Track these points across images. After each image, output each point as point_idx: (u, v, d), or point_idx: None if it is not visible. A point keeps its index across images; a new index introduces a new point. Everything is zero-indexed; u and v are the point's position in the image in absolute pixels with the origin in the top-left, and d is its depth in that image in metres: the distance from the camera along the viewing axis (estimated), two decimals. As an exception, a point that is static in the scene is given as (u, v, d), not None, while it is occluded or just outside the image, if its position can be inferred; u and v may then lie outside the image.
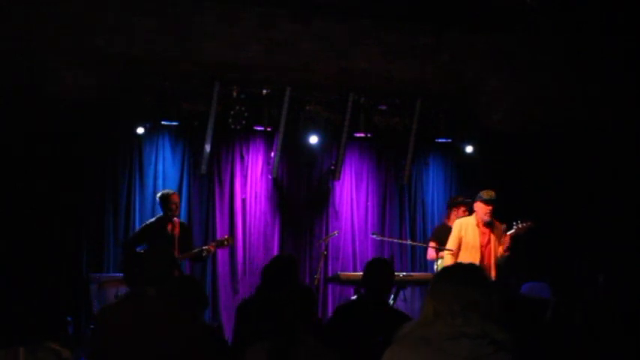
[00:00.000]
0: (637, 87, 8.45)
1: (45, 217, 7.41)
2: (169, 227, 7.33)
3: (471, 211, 7.60)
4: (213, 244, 7.50)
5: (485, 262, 7.01)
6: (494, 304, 2.29)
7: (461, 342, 2.22)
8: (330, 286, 8.48)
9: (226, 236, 7.70)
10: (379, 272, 4.46)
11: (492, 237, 7.12)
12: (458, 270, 2.42)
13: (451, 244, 7.19)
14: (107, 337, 3.41)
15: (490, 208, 7.05)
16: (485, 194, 7.08)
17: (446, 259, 7.21)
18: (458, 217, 7.64)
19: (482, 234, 7.12)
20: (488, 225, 7.11)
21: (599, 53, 8.54)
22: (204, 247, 7.34)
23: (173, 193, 7.40)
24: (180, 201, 8.07)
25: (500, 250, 7.10)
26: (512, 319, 2.73)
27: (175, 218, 7.43)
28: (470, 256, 7.01)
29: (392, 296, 7.16)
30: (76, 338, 7.05)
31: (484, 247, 7.09)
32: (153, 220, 7.48)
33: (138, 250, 7.22)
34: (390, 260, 5.33)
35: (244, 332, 4.51)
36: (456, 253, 7.13)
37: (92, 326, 6.89)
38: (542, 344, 3.50)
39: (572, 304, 3.76)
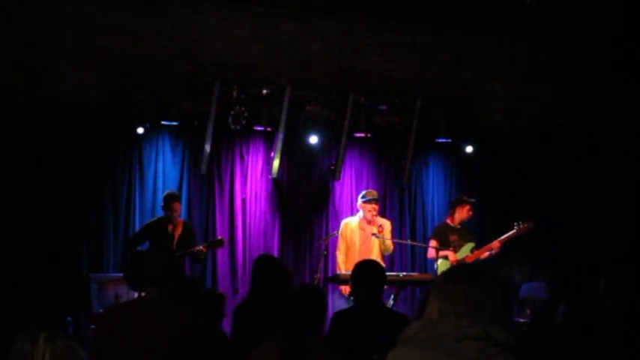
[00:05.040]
0: (637, 87, 8.45)
1: (45, 217, 7.40)
2: (170, 227, 7.36)
3: (474, 210, 7.71)
4: (205, 244, 7.51)
5: (361, 256, 7.21)
6: (500, 304, 2.27)
7: (465, 344, 2.20)
8: (330, 286, 8.47)
9: (220, 237, 7.70)
10: (369, 273, 4.43)
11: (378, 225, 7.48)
12: (463, 271, 2.39)
13: (340, 245, 7.63)
14: (107, 339, 3.39)
15: (372, 206, 7.49)
16: (368, 194, 7.59)
17: (339, 259, 7.61)
18: (462, 217, 7.70)
19: (362, 230, 7.54)
20: (372, 223, 7.49)
21: (599, 53, 8.54)
22: (195, 249, 7.34)
23: (175, 201, 7.39)
24: (181, 201, 8.09)
25: (389, 242, 7.53)
26: None
27: (179, 218, 7.46)
28: (350, 253, 7.51)
29: (392, 296, 7.18)
30: (76, 338, 7.04)
31: (362, 244, 7.50)
32: (154, 219, 7.54)
33: (139, 249, 7.26)
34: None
35: (243, 333, 4.51)
36: (345, 252, 7.58)
37: (93, 326, 6.90)
38: (553, 344, 3.51)
39: (577, 304, 3.76)
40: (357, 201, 8.75)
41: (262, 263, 4.87)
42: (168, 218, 7.36)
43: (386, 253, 7.62)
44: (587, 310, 3.72)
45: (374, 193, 7.60)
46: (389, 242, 7.55)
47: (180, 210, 7.60)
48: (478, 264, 7.24)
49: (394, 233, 7.95)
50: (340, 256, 7.59)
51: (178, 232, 7.38)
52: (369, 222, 7.52)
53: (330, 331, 4.45)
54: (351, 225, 7.63)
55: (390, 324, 4.22)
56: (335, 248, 8.51)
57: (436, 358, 2.20)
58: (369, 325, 4.14)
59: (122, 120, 7.76)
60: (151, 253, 3.86)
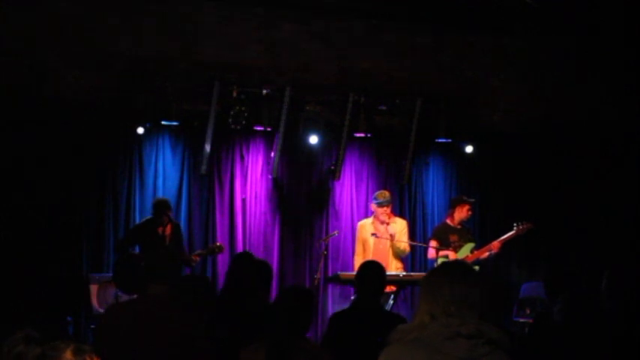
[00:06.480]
0: (637, 86, 8.45)
1: (44, 217, 7.40)
2: (160, 229, 7.31)
3: (473, 210, 7.73)
4: (198, 252, 7.48)
5: (376, 257, 7.12)
6: (490, 302, 2.27)
7: (457, 342, 2.19)
8: (330, 286, 8.48)
9: (219, 243, 7.67)
10: (369, 275, 4.44)
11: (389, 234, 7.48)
12: (452, 269, 2.38)
13: (357, 248, 7.70)
14: (109, 338, 3.40)
15: (384, 209, 7.50)
16: (379, 196, 7.58)
17: (356, 262, 7.55)
18: (461, 217, 7.70)
19: (375, 230, 7.53)
20: (385, 223, 7.49)
21: (599, 53, 8.54)
22: (191, 256, 7.32)
23: (168, 210, 7.32)
24: (180, 201, 8.10)
25: (404, 245, 7.55)
26: None
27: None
28: (365, 253, 7.49)
29: (392, 296, 7.17)
30: (76, 338, 7.04)
31: (376, 243, 7.51)
32: (143, 221, 7.51)
33: (131, 251, 7.28)
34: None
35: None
36: (362, 255, 7.55)
37: (93, 326, 6.92)
38: (551, 343, 3.50)
39: (573, 304, 3.76)
40: (357, 201, 8.78)
41: (238, 262, 4.85)
42: (159, 223, 7.32)
43: (402, 256, 7.61)
44: (584, 310, 3.72)
45: (386, 195, 7.58)
46: (404, 246, 7.57)
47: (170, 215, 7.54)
48: (463, 261, 7.24)
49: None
50: (358, 260, 7.54)
51: (168, 231, 7.36)
52: (382, 223, 7.53)
53: (328, 332, 4.46)
54: (366, 226, 7.68)
55: (388, 325, 4.23)
56: (335, 248, 8.54)
57: (428, 356, 2.20)
58: (368, 326, 4.15)
59: (122, 120, 7.76)
60: (153, 251, 3.87)
